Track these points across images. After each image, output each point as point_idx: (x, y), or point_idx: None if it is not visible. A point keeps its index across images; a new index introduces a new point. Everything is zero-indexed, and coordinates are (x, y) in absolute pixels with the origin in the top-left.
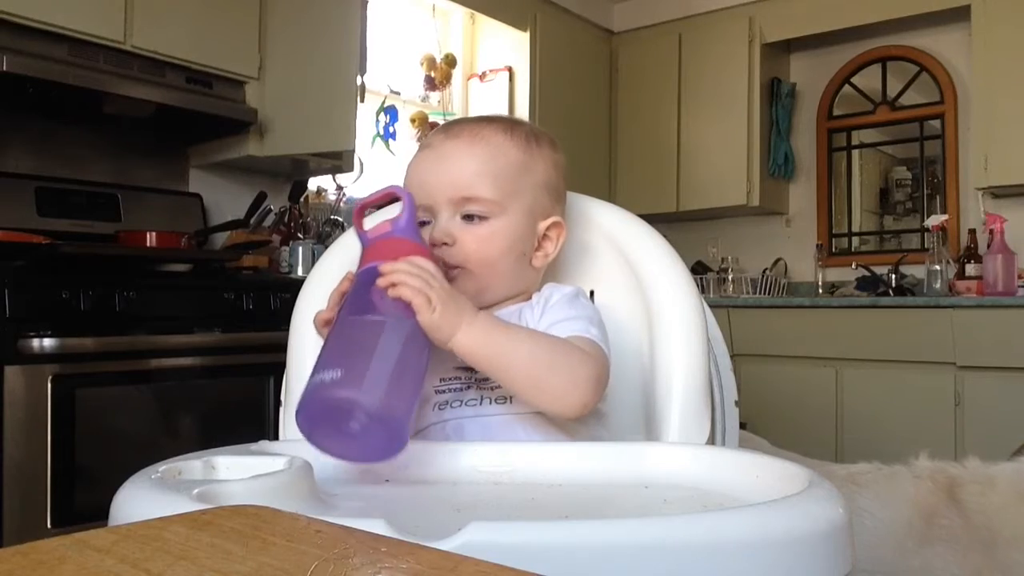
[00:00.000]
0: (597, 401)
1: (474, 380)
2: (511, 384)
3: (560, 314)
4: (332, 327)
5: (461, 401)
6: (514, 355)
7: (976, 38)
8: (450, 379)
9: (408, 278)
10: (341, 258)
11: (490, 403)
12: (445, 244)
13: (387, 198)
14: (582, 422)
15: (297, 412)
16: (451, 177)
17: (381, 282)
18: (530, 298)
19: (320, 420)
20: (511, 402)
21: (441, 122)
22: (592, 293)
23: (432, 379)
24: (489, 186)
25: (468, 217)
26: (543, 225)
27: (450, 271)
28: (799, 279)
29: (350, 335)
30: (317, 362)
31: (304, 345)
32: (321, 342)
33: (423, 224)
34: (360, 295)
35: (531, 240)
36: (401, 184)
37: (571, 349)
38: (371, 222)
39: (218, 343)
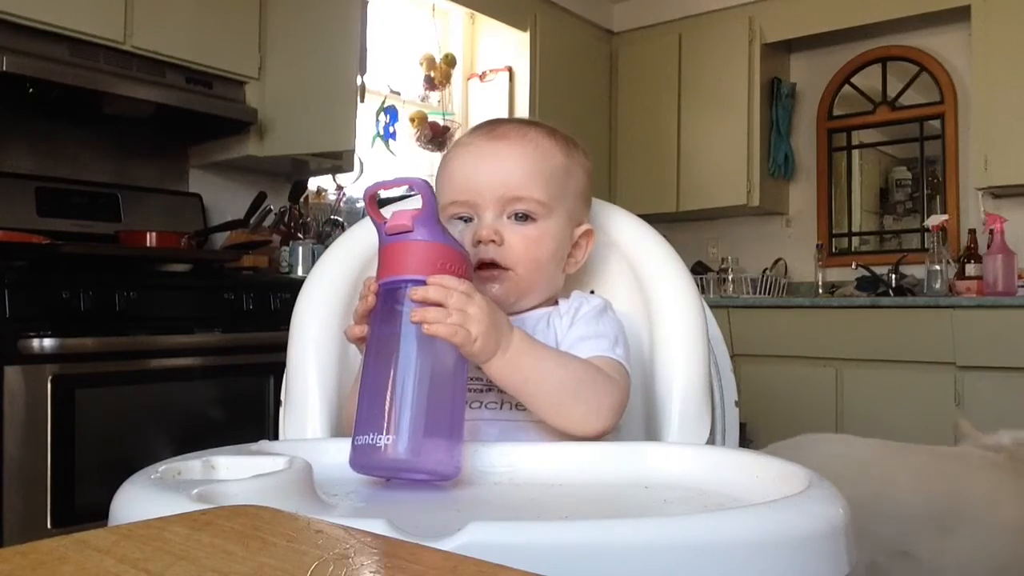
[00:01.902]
0: (616, 425)
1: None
2: (535, 407)
3: (588, 329)
4: (366, 362)
5: (481, 403)
6: (542, 381)
7: (976, 38)
8: (471, 379)
9: (441, 315)
10: (341, 258)
11: (510, 408)
12: (493, 242)
13: (400, 186)
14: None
15: (351, 465)
16: (502, 176)
17: (414, 317)
18: (556, 303)
19: (374, 472)
20: None
21: (441, 122)
22: (592, 292)
23: None
24: (541, 188)
25: (515, 217)
26: (578, 232)
27: (495, 271)
28: (799, 279)
29: (389, 379)
30: (361, 410)
31: (304, 345)
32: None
33: (464, 220)
34: (389, 322)
35: (568, 246)
36: (430, 180)
37: (596, 376)
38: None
39: (218, 343)
